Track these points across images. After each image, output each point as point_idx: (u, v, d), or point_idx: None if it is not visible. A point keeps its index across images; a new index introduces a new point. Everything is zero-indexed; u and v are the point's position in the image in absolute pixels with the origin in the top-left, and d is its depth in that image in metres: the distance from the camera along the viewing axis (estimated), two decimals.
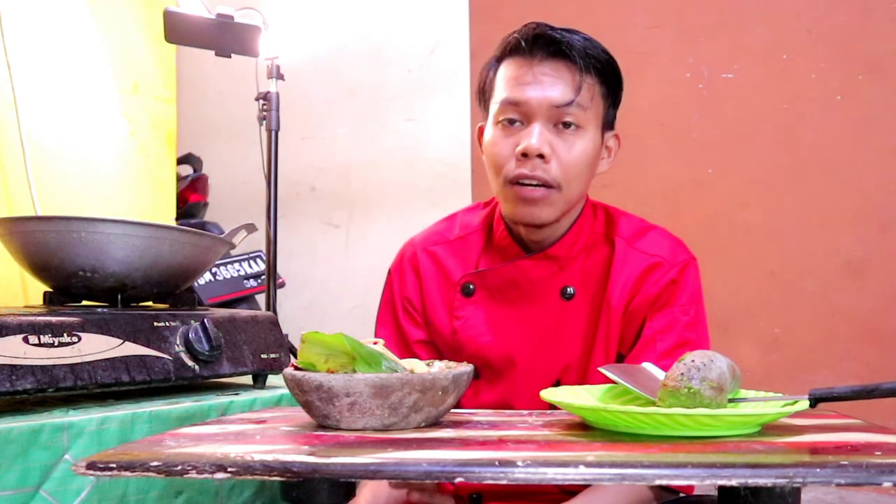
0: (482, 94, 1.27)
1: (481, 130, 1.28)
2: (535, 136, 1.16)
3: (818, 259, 2.40)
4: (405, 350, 1.29)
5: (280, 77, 1.93)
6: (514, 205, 1.20)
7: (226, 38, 1.82)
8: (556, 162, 1.17)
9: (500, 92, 1.21)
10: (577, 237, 1.25)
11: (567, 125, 1.18)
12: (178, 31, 1.79)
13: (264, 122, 1.93)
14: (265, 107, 1.93)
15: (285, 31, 2.02)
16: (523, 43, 1.19)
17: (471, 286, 1.27)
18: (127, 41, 2.06)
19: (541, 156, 1.16)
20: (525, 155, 1.16)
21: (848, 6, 2.37)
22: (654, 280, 1.21)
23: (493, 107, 1.22)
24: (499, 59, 1.24)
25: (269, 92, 1.93)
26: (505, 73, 1.21)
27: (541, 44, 1.19)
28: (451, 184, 2.87)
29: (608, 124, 1.25)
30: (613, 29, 2.64)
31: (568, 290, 1.24)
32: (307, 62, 2.99)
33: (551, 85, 1.17)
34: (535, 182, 1.17)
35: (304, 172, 3.27)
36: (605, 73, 1.21)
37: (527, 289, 1.25)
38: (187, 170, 3.01)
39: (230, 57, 1.87)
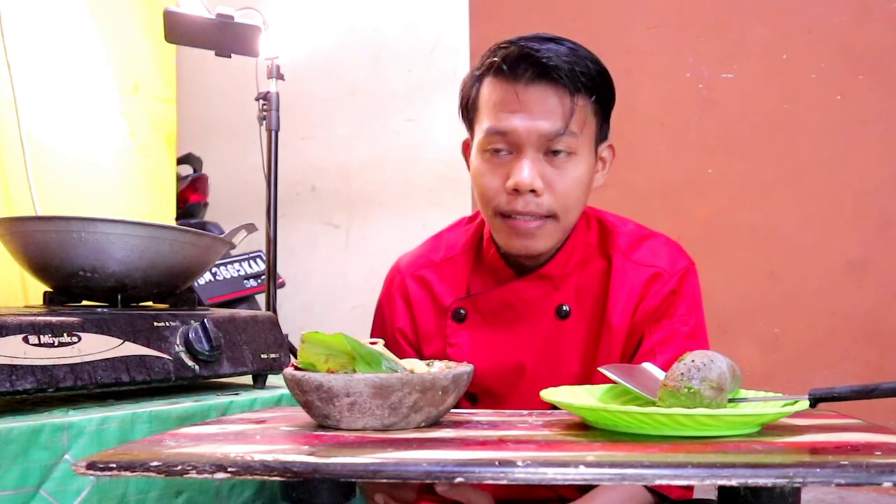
0: (465, 110, 1.22)
1: (466, 145, 1.24)
2: (526, 170, 1.10)
3: (818, 259, 2.40)
4: None
5: (280, 77, 1.93)
6: (508, 237, 1.15)
7: (226, 38, 1.82)
8: (549, 194, 1.11)
9: (484, 118, 1.14)
10: (570, 253, 1.20)
11: (558, 152, 1.12)
12: (178, 31, 1.79)
13: (264, 122, 1.93)
14: (265, 107, 1.93)
15: (285, 31, 2.02)
16: (504, 66, 1.11)
17: (462, 311, 1.23)
18: (127, 41, 2.06)
19: (532, 190, 1.11)
20: (517, 190, 1.11)
21: (848, 6, 2.37)
22: (654, 292, 1.18)
23: (479, 134, 1.16)
24: (481, 77, 1.17)
25: (269, 92, 1.93)
26: (489, 95, 1.14)
27: (525, 66, 1.10)
28: (451, 184, 2.88)
29: (601, 138, 1.19)
30: (613, 29, 2.64)
31: (563, 308, 1.20)
32: (307, 62, 2.99)
33: (540, 114, 1.10)
34: (528, 216, 1.12)
35: (304, 172, 3.27)
36: (595, 88, 1.13)
37: (521, 310, 1.21)
38: (187, 170, 3.01)
39: (230, 57, 1.86)
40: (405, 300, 1.28)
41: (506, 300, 1.21)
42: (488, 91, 1.15)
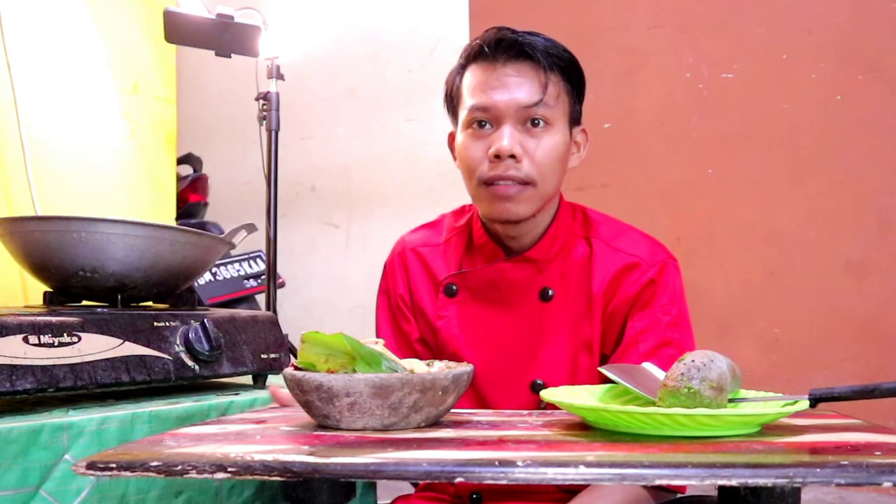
0: (449, 101, 1.28)
1: (452, 137, 1.30)
2: (506, 137, 1.17)
3: (818, 259, 2.40)
4: (408, 349, 1.30)
5: (280, 77, 1.94)
6: (490, 203, 1.21)
7: (226, 38, 1.82)
8: (527, 160, 1.18)
9: (467, 98, 1.22)
10: (554, 239, 1.26)
11: (535, 123, 1.19)
12: (178, 31, 1.79)
13: (264, 122, 1.94)
14: (265, 107, 1.93)
15: (285, 31, 2.02)
16: (486, 48, 1.20)
17: (453, 287, 1.29)
18: (127, 41, 2.06)
19: (512, 156, 1.17)
20: (498, 157, 1.18)
21: (848, 6, 2.37)
22: (632, 280, 1.22)
23: (462, 113, 1.23)
24: (463, 67, 1.25)
25: (269, 92, 1.93)
26: (470, 79, 1.22)
27: (503, 47, 1.20)
28: (450, 184, 2.87)
29: (575, 120, 1.26)
30: (613, 29, 2.64)
31: (548, 291, 1.24)
32: (307, 62, 2.99)
33: (517, 86, 1.19)
34: (509, 181, 1.18)
35: (304, 172, 3.27)
36: (567, 70, 1.22)
37: (506, 290, 1.26)
38: (187, 170, 3.01)
39: (230, 57, 1.87)
40: (405, 270, 1.35)
41: (492, 279, 1.26)
42: (470, 77, 1.23)
